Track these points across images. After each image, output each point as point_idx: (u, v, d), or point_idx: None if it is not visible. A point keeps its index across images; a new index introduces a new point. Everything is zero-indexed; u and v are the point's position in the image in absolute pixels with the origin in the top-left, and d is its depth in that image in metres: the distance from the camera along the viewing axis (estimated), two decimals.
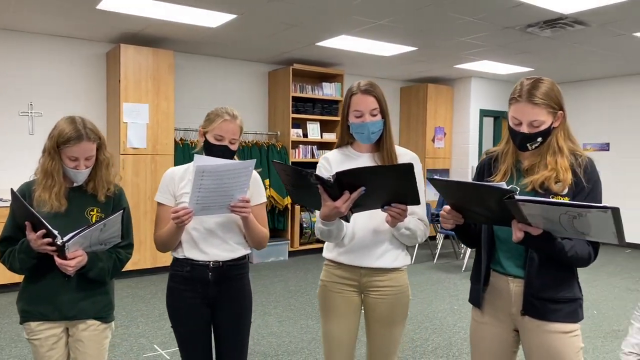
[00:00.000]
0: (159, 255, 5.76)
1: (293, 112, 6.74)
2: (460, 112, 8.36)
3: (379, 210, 1.78)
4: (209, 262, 2.04)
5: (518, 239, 1.51)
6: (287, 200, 6.61)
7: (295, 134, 6.87)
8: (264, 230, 2.13)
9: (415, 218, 1.95)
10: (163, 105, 5.74)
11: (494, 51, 6.24)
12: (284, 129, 6.80)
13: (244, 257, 2.14)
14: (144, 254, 5.68)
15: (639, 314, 1.53)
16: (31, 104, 5.52)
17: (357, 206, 1.74)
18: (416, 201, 1.70)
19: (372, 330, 2.02)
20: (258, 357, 3.53)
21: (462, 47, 6.02)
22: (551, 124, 1.66)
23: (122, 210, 1.80)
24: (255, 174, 2.16)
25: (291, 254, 6.77)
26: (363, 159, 2.02)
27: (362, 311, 2.05)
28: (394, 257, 1.97)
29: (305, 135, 6.99)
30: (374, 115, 1.93)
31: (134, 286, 5.32)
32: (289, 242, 6.81)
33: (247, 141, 6.62)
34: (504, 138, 1.80)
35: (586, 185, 1.63)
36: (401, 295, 2.00)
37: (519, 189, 1.69)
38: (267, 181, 6.40)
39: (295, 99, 6.79)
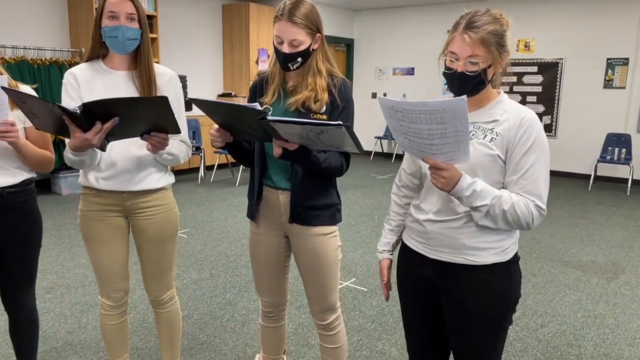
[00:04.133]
0: None
1: None
2: None
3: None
4: None
5: (277, 154, 1.61)
6: None
7: None
8: (44, 152, 1.95)
9: (177, 140, 1.93)
10: None
11: None
12: (91, 29, 6.09)
13: (27, 182, 1.97)
14: None
15: (389, 218, 1.76)
16: None
17: (113, 135, 1.66)
18: (176, 130, 1.66)
19: (144, 250, 2.02)
20: (61, 289, 3.37)
21: None
22: (310, 46, 1.74)
23: None
24: (26, 89, 1.92)
25: None
26: (116, 76, 1.88)
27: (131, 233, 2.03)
28: (157, 179, 1.95)
29: None
30: (131, 20, 1.79)
31: None
32: None
33: (44, 59, 5.83)
34: (271, 59, 1.85)
35: (340, 104, 1.77)
36: (169, 213, 2.01)
37: (271, 109, 1.78)
38: None
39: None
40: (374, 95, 9.69)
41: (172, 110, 1.56)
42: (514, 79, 8.19)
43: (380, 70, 9.49)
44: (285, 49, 1.71)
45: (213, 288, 3.46)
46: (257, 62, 8.14)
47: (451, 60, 1.42)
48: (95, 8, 5.91)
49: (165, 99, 1.52)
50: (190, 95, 7.52)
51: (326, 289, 1.90)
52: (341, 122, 1.38)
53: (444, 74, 1.45)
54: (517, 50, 8.08)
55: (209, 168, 7.46)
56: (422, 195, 1.59)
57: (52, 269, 3.71)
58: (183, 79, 7.33)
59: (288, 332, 2.83)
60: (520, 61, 8.07)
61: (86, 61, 1.91)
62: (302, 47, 1.72)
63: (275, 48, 1.75)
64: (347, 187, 6.79)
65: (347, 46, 9.79)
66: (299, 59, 1.73)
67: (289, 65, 1.74)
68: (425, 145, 1.31)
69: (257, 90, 1.89)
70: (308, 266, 1.90)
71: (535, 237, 4.79)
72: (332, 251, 1.88)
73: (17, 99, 1.63)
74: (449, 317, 1.56)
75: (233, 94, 8.02)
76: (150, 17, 6.63)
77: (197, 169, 7.20)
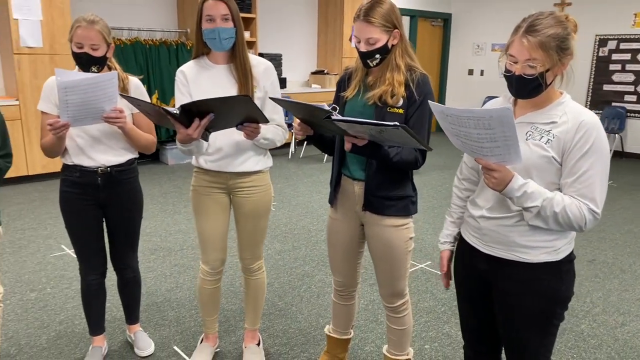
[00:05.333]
0: None
1: None
2: None
3: None
4: (97, 167, 2.17)
5: (347, 149, 1.75)
6: None
7: None
8: (148, 136, 2.24)
9: (274, 125, 2.13)
10: (56, 0, 5.36)
11: None
12: (194, 26, 6.55)
13: (131, 162, 2.28)
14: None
15: (451, 210, 1.83)
16: None
17: (212, 127, 1.90)
18: (265, 120, 1.86)
19: (240, 224, 2.28)
20: (163, 252, 3.81)
21: None
22: (387, 42, 1.82)
23: None
24: (136, 82, 2.23)
25: None
26: (218, 70, 2.11)
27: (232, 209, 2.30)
28: (255, 162, 2.18)
29: None
30: (226, 21, 2.00)
31: (42, 190, 5.33)
32: None
33: (154, 39, 6.38)
34: (357, 56, 1.95)
35: (417, 98, 1.84)
36: (264, 193, 2.25)
37: (338, 108, 1.90)
38: None
39: None
40: (470, 72, 9.38)
41: (255, 105, 1.76)
42: (627, 56, 7.51)
43: (479, 46, 9.13)
44: (363, 47, 1.81)
45: (294, 260, 3.72)
46: (350, 40, 8.20)
47: (510, 63, 1.45)
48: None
49: (247, 98, 1.72)
50: (284, 74, 7.83)
51: (394, 276, 2.03)
52: (397, 123, 1.48)
53: (504, 75, 1.49)
54: (632, 25, 7.38)
55: (299, 144, 7.76)
56: (477, 191, 1.66)
57: (156, 233, 4.19)
58: (278, 57, 7.62)
59: (359, 308, 3.01)
60: (636, 37, 7.36)
61: (193, 59, 2.16)
62: (379, 44, 1.80)
63: (355, 47, 1.86)
64: (434, 168, 6.74)
65: (444, 21, 9.51)
66: (377, 56, 1.82)
67: (368, 62, 1.84)
68: (476, 147, 1.38)
69: (342, 84, 2.02)
70: (379, 254, 2.02)
71: (633, 231, 4.50)
72: (402, 242, 1.98)
73: (134, 103, 1.93)
74: (499, 310, 1.63)
75: (325, 72, 8.19)
76: None
77: (288, 145, 7.53)
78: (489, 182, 1.43)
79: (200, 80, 2.12)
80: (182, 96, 2.12)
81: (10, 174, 2.15)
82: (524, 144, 1.47)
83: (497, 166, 1.39)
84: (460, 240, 1.76)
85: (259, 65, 2.15)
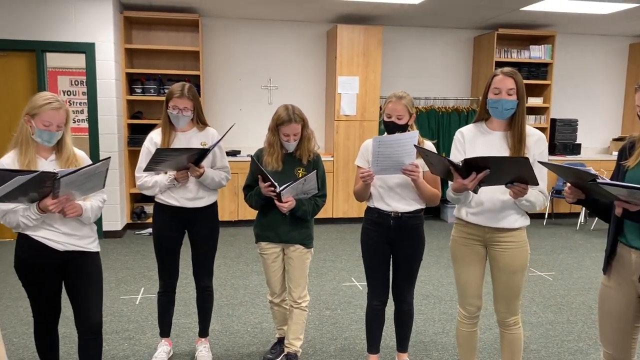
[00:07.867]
0: (363, 207, 6.66)
1: None
2: None
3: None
4: (391, 212, 2.65)
5: (618, 214, 1.75)
6: None
7: None
8: (434, 190, 2.62)
9: (537, 191, 2.22)
10: (371, 77, 6.49)
11: None
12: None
13: (419, 211, 2.68)
14: (352, 205, 6.65)
15: None
16: (270, 79, 6.85)
17: (485, 182, 2.13)
18: (535, 183, 2.01)
19: (495, 277, 2.42)
20: (434, 299, 4.11)
21: None
22: None
23: (315, 171, 2.54)
24: (429, 144, 2.65)
25: None
26: (494, 137, 2.34)
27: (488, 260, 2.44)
28: (513, 220, 2.31)
29: None
30: (510, 95, 2.24)
31: (342, 231, 6.35)
32: None
33: (447, 107, 6.97)
34: None
35: None
36: (520, 250, 2.34)
37: (605, 172, 1.87)
38: None
39: (498, 64, 6.80)
40: None
41: (532, 168, 1.95)
42: None
43: None
44: None
45: (567, 333, 3.51)
46: None
47: None
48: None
49: (526, 160, 1.93)
50: (579, 140, 7.40)
51: None
52: None
53: None
54: None
55: (590, 215, 7.09)
56: None
57: (430, 281, 4.53)
58: (573, 122, 7.27)
59: None
60: None
61: (473, 122, 2.47)
62: None
63: (638, 115, 1.87)
64: None
65: None
66: None
67: None
68: None
69: (623, 153, 2.02)
70: None
71: None
72: None
73: (423, 153, 2.34)
74: None
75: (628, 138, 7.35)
76: (546, 65, 6.95)
77: (577, 214, 6.99)
78: None
79: (475, 143, 2.38)
80: (458, 153, 2.41)
81: (320, 215, 2.83)
82: None
83: None
84: None
85: (533, 136, 2.32)
